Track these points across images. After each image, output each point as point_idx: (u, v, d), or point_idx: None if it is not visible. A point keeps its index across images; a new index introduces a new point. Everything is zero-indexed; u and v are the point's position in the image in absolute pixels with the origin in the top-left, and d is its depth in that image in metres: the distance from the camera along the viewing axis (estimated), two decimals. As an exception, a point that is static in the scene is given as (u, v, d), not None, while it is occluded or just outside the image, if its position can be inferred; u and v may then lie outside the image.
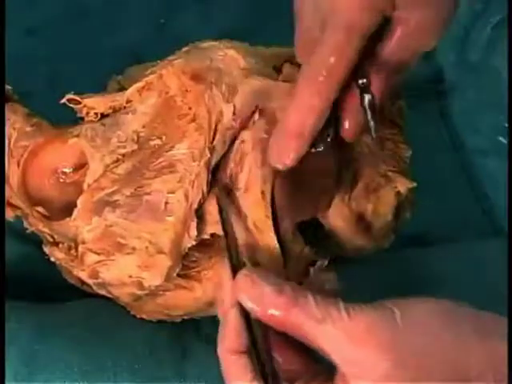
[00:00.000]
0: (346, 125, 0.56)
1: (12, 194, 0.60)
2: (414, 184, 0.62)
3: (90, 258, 0.56)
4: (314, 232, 0.60)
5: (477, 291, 0.59)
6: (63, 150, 0.59)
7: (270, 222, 0.55)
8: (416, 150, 0.64)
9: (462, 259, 0.69)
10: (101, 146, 0.58)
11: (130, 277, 0.55)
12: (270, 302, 0.47)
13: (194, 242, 0.55)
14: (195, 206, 0.55)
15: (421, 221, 0.66)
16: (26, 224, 0.61)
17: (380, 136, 0.61)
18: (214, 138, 0.56)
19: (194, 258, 0.57)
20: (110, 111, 0.59)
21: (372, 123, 0.52)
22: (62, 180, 0.59)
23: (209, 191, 0.55)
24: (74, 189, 0.58)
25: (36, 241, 0.62)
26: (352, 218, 0.60)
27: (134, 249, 0.55)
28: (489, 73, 0.80)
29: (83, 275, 0.57)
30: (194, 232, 0.55)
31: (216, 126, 0.56)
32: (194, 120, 0.57)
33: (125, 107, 0.59)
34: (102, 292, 0.57)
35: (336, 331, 0.46)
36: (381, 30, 0.52)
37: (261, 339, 0.48)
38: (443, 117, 0.83)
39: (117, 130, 0.58)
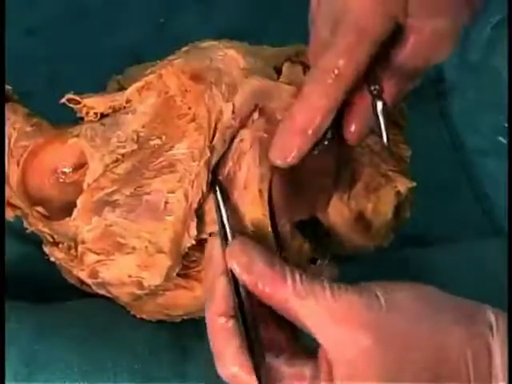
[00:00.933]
0: (352, 128, 0.56)
1: (12, 193, 0.60)
2: (414, 184, 0.62)
3: (90, 258, 0.56)
4: (313, 231, 0.60)
5: (477, 291, 0.58)
6: (63, 149, 0.59)
7: (267, 221, 0.55)
8: (416, 150, 0.64)
9: (461, 259, 0.69)
10: (100, 146, 0.58)
11: (130, 276, 0.55)
12: (259, 272, 0.48)
13: (193, 242, 0.55)
14: (195, 205, 0.55)
15: (421, 221, 0.66)
16: (25, 224, 0.61)
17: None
18: (213, 137, 0.56)
19: (193, 258, 0.57)
20: (110, 111, 0.59)
21: (384, 130, 0.52)
22: (61, 180, 0.59)
23: (208, 191, 0.55)
24: (74, 189, 0.58)
25: (36, 241, 0.62)
26: (351, 217, 0.60)
27: (133, 248, 0.55)
28: (489, 73, 0.80)
29: (83, 275, 0.57)
30: (193, 231, 0.55)
31: (216, 125, 0.56)
32: (193, 120, 0.57)
33: (124, 107, 0.59)
34: (102, 292, 0.57)
35: (319, 308, 0.47)
36: (394, 36, 0.53)
37: (247, 307, 0.49)
38: (443, 117, 0.83)
39: (116, 129, 0.58)
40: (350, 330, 0.46)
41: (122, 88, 0.62)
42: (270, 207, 0.56)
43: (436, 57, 0.54)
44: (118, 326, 0.61)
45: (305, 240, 0.58)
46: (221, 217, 0.54)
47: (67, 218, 0.58)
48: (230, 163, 0.56)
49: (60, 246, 0.59)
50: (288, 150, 0.54)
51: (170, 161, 0.56)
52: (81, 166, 0.59)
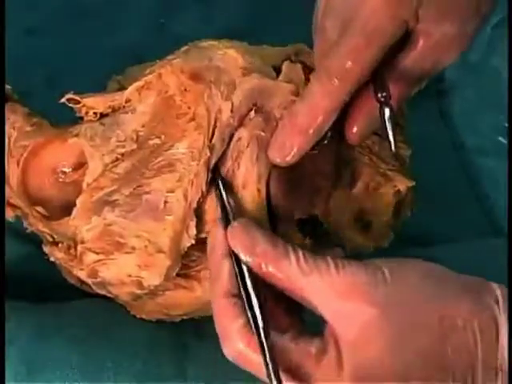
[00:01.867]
0: (354, 128, 0.56)
1: (12, 193, 0.60)
2: (414, 183, 0.62)
3: (90, 258, 0.56)
4: (313, 230, 0.60)
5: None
6: (63, 149, 0.59)
7: (266, 219, 0.55)
8: (416, 150, 0.64)
9: (461, 259, 0.69)
10: (100, 146, 0.58)
11: (130, 276, 0.55)
12: (262, 252, 0.48)
13: (193, 241, 0.55)
14: (194, 205, 0.55)
15: (421, 221, 0.66)
16: (25, 224, 0.61)
17: (380, 135, 0.61)
18: (212, 137, 0.56)
19: (193, 258, 0.57)
20: (110, 111, 0.59)
21: (392, 136, 0.52)
22: (61, 179, 0.59)
23: (208, 190, 0.55)
24: (74, 188, 0.58)
25: (36, 241, 0.62)
26: (351, 217, 0.60)
27: (133, 248, 0.55)
28: (489, 73, 0.81)
29: (82, 274, 0.57)
30: (193, 231, 0.55)
31: (215, 124, 0.56)
32: (193, 119, 0.57)
33: (124, 107, 0.59)
34: (102, 291, 0.57)
35: (323, 284, 0.47)
36: (402, 40, 0.53)
37: (252, 286, 0.49)
38: (443, 117, 0.83)
39: (116, 129, 0.58)
40: (355, 303, 0.46)
41: (122, 88, 0.62)
42: (269, 206, 0.56)
43: (443, 61, 0.55)
44: (118, 326, 0.61)
45: (305, 239, 0.58)
46: (222, 201, 0.54)
47: (67, 218, 0.58)
48: (229, 162, 0.56)
49: (60, 245, 0.59)
50: (288, 148, 0.54)
51: (170, 160, 0.56)
52: (80, 165, 0.59)
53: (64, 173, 0.59)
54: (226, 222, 0.53)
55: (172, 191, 0.55)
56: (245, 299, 0.49)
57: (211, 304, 0.50)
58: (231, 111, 0.56)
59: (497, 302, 0.46)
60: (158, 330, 0.61)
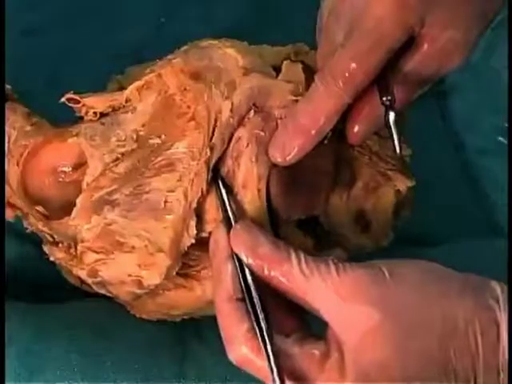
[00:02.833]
0: (356, 129, 0.56)
1: (12, 193, 0.60)
2: (414, 183, 0.62)
3: (90, 257, 0.56)
4: (313, 230, 0.60)
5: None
6: (63, 149, 0.59)
7: (266, 219, 0.55)
8: (416, 150, 0.64)
9: (461, 259, 0.69)
10: (100, 145, 0.58)
11: (130, 275, 0.55)
12: (264, 254, 0.49)
13: (193, 241, 0.55)
14: (194, 204, 0.55)
15: (421, 221, 0.66)
16: (25, 224, 0.61)
17: (380, 135, 0.61)
18: (213, 136, 0.56)
19: (193, 257, 0.57)
20: (110, 110, 0.59)
21: (397, 140, 0.53)
22: (61, 179, 0.59)
23: (208, 190, 0.55)
24: (74, 188, 0.58)
25: (36, 241, 0.62)
26: (351, 217, 0.60)
27: (133, 247, 0.55)
28: (489, 73, 0.81)
29: (82, 274, 0.57)
30: (193, 231, 0.55)
31: (215, 123, 0.56)
32: (193, 119, 0.57)
33: (124, 106, 0.59)
34: (102, 291, 0.57)
35: (324, 286, 0.47)
36: (405, 45, 0.53)
37: (255, 289, 0.49)
38: (443, 117, 0.83)
39: (116, 128, 0.58)
40: (357, 306, 0.46)
41: (121, 88, 0.62)
42: (269, 206, 0.56)
43: (447, 66, 0.55)
44: (118, 326, 0.61)
45: (305, 238, 0.58)
46: (224, 204, 0.54)
47: (67, 218, 0.58)
48: (230, 162, 0.56)
49: (60, 245, 0.59)
50: (289, 148, 0.54)
51: (170, 160, 0.56)
52: (80, 165, 0.59)
53: (64, 172, 0.59)
54: (228, 223, 0.53)
55: (172, 191, 0.55)
56: (248, 303, 0.49)
57: (215, 308, 0.50)
58: (231, 111, 0.56)
59: (497, 301, 0.46)
60: (158, 329, 0.61)
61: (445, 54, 0.54)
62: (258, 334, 0.47)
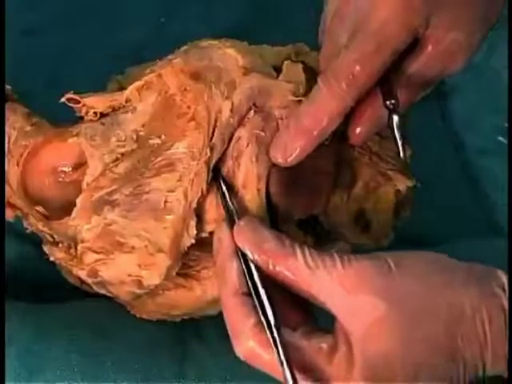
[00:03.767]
0: (358, 129, 0.56)
1: (12, 193, 0.60)
2: (414, 183, 0.62)
3: (90, 257, 0.56)
4: (313, 229, 0.60)
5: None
6: (63, 149, 0.59)
7: (267, 218, 0.55)
8: (416, 150, 0.64)
9: (461, 259, 0.69)
10: (100, 145, 0.58)
11: (130, 275, 0.55)
12: (269, 249, 0.49)
13: (193, 241, 0.55)
14: (194, 204, 0.55)
15: (421, 221, 0.66)
16: (25, 224, 0.61)
17: (381, 135, 0.61)
18: (213, 136, 0.56)
19: (193, 257, 0.57)
20: (110, 110, 0.59)
21: (400, 143, 0.53)
22: (61, 179, 0.59)
23: (208, 190, 0.55)
24: (74, 188, 0.58)
25: (36, 241, 0.62)
26: (351, 217, 0.60)
27: (133, 247, 0.55)
28: (489, 73, 0.81)
29: (82, 274, 0.57)
30: (193, 231, 0.55)
31: (215, 123, 0.56)
32: (193, 119, 0.57)
33: (124, 106, 0.59)
34: (102, 291, 0.57)
35: (330, 279, 0.47)
36: (409, 47, 0.53)
37: (260, 284, 0.49)
38: (443, 117, 0.83)
39: (116, 129, 0.58)
40: (363, 296, 0.46)
41: (121, 88, 0.62)
42: (270, 206, 0.56)
43: (451, 68, 0.55)
44: (118, 326, 0.61)
45: (306, 238, 0.58)
46: (225, 201, 0.54)
47: (67, 218, 0.58)
48: (230, 162, 0.56)
49: (60, 245, 0.59)
50: (290, 149, 0.54)
51: (170, 160, 0.56)
52: (80, 165, 0.59)
53: (64, 172, 0.59)
54: (231, 221, 0.53)
55: (172, 191, 0.55)
56: (255, 297, 0.48)
57: (220, 303, 0.50)
58: (231, 111, 0.56)
59: (503, 289, 0.46)
60: (158, 329, 0.61)
61: (448, 55, 0.54)
62: (266, 328, 0.47)
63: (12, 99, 0.62)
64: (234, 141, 0.56)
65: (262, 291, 0.48)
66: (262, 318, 0.47)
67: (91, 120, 0.59)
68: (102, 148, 0.58)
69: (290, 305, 0.50)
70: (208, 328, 0.62)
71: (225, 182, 0.55)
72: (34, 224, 0.60)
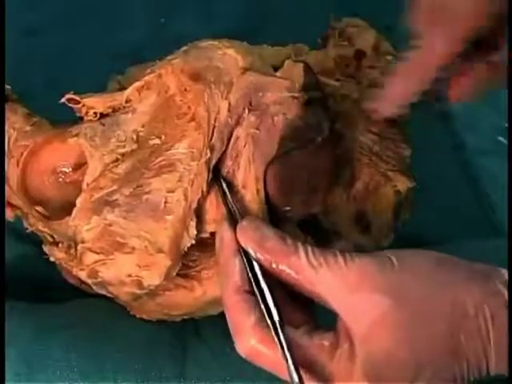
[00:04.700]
0: (459, 87, 0.58)
1: (12, 193, 0.60)
2: (414, 183, 0.62)
3: (90, 258, 0.56)
4: (313, 230, 0.60)
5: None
6: (62, 149, 0.59)
7: (267, 218, 0.55)
8: (416, 150, 0.64)
9: (462, 259, 0.69)
10: (100, 146, 0.58)
11: (130, 276, 0.55)
12: (272, 248, 0.49)
13: (193, 241, 0.55)
14: (194, 205, 0.55)
15: (421, 221, 0.66)
16: (25, 224, 0.61)
17: (380, 135, 0.61)
18: (212, 136, 0.56)
19: (193, 258, 0.57)
20: (110, 111, 0.59)
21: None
22: (61, 179, 0.59)
23: (208, 190, 0.55)
24: (74, 188, 0.58)
25: (36, 241, 0.62)
26: (351, 217, 0.60)
27: (133, 248, 0.55)
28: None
29: (82, 275, 0.57)
30: (193, 231, 0.55)
31: (215, 124, 0.56)
32: (193, 119, 0.57)
33: (124, 107, 0.59)
34: (102, 291, 0.57)
35: (332, 277, 0.47)
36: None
37: (263, 281, 0.49)
38: (443, 117, 0.83)
39: (116, 129, 0.58)
40: (365, 294, 0.46)
41: (122, 88, 0.62)
42: (269, 205, 0.56)
43: None
44: (118, 326, 0.61)
45: (306, 238, 0.58)
46: (227, 201, 0.54)
47: (67, 218, 0.58)
48: (230, 162, 0.56)
49: (60, 245, 0.59)
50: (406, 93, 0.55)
51: (170, 160, 0.56)
52: (80, 165, 0.59)
53: (64, 173, 0.59)
54: (232, 220, 0.53)
55: (172, 191, 0.55)
56: (258, 295, 0.49)
57: (221, 303, 0.50)
58: (228, 110, 0.56)
59: (506, 287, 0.46)
60: (158, 329, 0.61)
61: None
62: (270, 324, 0.47)
63: (12, 99, 0.62)
64: (232, 141, 0.56)
65: (265, 288, 0.48)
66: (266, 316, 0.47)
67: (91, 120, 0.59)
68: (102, 148, 0.58)
69: (292, 303, 0.50)
70: (208, 328, 0.62)
71: (225, 181, 0.56)
72: (34, 224, 0.60)
